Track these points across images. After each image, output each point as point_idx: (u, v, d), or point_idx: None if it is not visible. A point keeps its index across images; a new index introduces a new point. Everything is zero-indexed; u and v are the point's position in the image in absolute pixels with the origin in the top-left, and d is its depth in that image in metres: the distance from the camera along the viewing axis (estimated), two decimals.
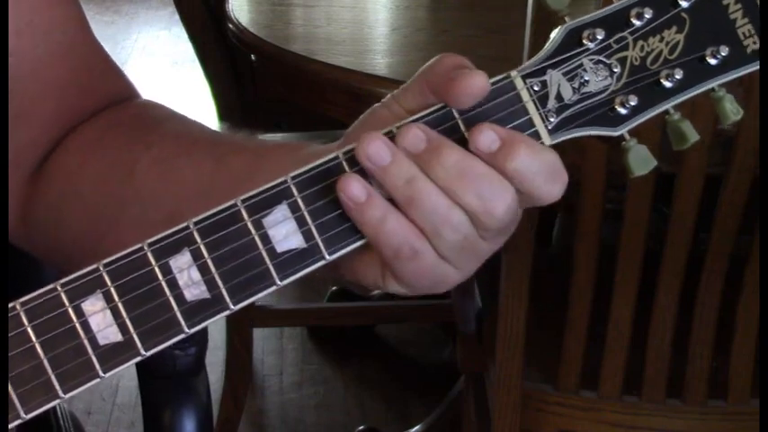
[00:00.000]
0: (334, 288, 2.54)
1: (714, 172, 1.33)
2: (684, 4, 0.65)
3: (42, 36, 0.80)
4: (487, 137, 0.62)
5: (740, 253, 1.37)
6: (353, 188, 0.61)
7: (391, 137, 0.62)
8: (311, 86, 1.63)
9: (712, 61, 0.66)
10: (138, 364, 0.61)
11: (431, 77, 0.63)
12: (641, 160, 0.66)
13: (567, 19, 0.65)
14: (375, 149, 0.61)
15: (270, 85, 2.00)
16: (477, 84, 0.62)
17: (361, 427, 2.22)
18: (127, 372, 0.64)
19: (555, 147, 0.64)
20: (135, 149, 0.77)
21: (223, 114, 2.15)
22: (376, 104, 0.66)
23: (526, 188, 0.62)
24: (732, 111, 0.66)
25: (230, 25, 1.79)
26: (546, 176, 0.62)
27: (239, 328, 2.09)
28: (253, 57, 1.99)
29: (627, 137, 0.66)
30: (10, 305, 0.59)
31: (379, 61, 1.73)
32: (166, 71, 4.45)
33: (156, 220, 0.72)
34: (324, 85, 1.58)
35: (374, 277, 0.66)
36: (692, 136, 0.66)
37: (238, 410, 2.14)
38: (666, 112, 0.66)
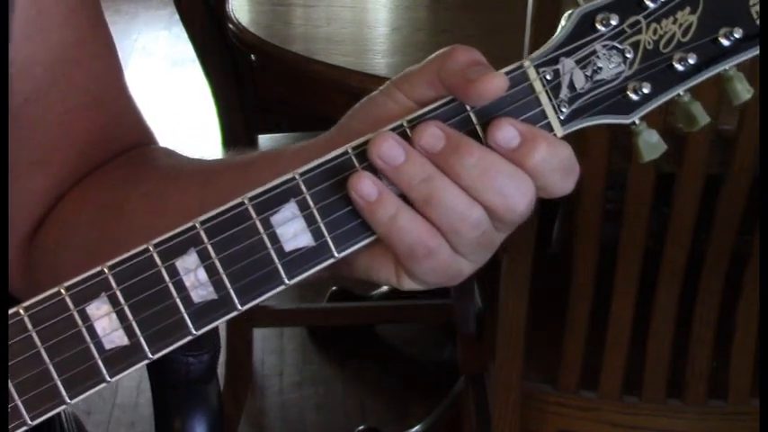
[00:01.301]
0: (334, 288, 2.54)
1: (714, 172, 1.32)
2: None
3: (77, 89, 0.79)
4: (507, 132, 0.61)
5: (740, 253, 1.37)
6: (364, 186, 0.60)
7: (401, 131, 0.61)
8: (311, 86, 1.63)
9: (725, 42, 0.64)
10: (150, 372, 0.61)
11: (444, 73, 0.62)
12: (651, 145, 0.65)
13: (580, 2, 0.64)
14: (388, 148, 0.60)
15: (270, 85, 2.00)
16: (497, 86, 0.61)
17: (361, 427, 2.22)
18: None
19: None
20: (125, 188, 0.76)
21: (223, 114, 2.14)
22: (374, 92, 0.65)
23: (542, 183, 0.62)
24: (743, 90, 0.65)
25: (230, 25, 1.79)
26: (562, 172, 0.62)
27: (239, 328, 2.09)
28: (253, 57, 1.99)
29: (637, 121, 0.65)
30: (13, 310, 0.58)
31: (379, 61, 1.73)
32: (166, 71, 4.45)
33: None
34: (324, 85, 1.58)
35: (387, 274, 0.64)
36: (703, 118, 0.65)
37: (238, 410, 2.14)
38: (677, 93, 0.65)
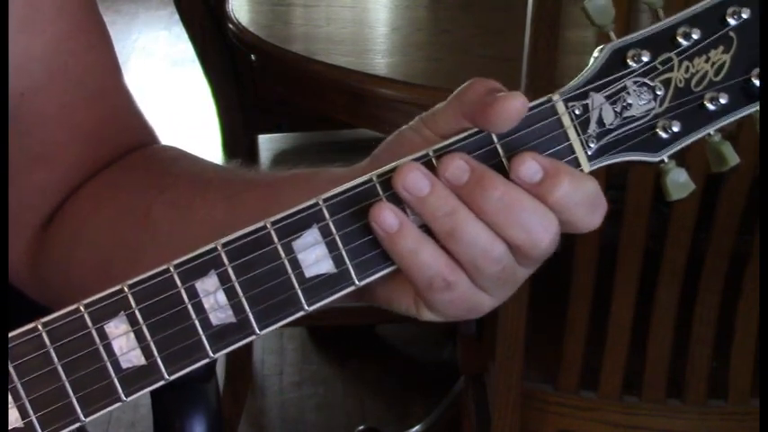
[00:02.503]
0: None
1: (714, 172, 1.32)
2: (733, 23, 0.63)
3: (74, 80, 0.79)
4: (530, 167, 0.60)
5: (740, 253, 1.37)
6: (386, 217, 0.59)
7: (427, 161, 0.60)
8: (311, 86, 1.63)
9: (758, 83, 0.63)
10: None
11: (465, 104, 0.61)
12: (680, 185, 0.64)
13: (611, 35, 0.63)
14: (413, 180, 0.59)
15: (270, 85, 2.00)
16: (514, 107, 0.60)
17: (361, 427, 2.22)
18: None
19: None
20: (148, 194, 0.76)
21: (223, 115, 2.15)
22: (403, 127, 0.64)
23: (566, 218, 0.61)
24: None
25: (230, 25, 1.79)
26: (587, 207, 0.61)
27: None
28: (253, 57, 1.99)
29: (665, 159, 0.64)
30: (32, 325, 0.58)
31: (379, 61, 1.73)
32: (166, 71, 4.45)
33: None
34: (324, 85, 1.58)
35: (407, 304, 0.64)
36: (733, 159, 0.64)
37: (238, 410, 2.14)
38: (707, 133, 0.64)
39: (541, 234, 0.60)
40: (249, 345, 2.16)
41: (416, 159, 0.61)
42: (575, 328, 1.43)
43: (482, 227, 0.60)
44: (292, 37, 1.83)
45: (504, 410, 1.48)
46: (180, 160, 0.81)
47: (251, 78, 2.15)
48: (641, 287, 1.40)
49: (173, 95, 4.08)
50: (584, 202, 0.61)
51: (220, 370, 2.16)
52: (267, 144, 2.25)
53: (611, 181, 1.34)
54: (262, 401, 2.38)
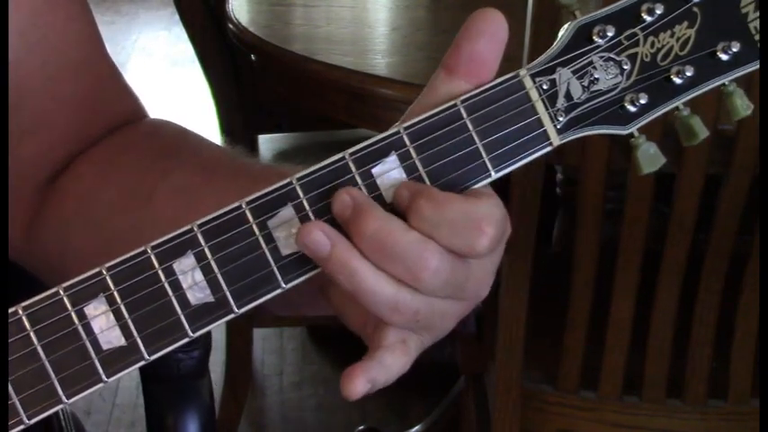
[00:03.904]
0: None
1: (714, 172, 1.33)
2: None
3: (55, 51, 0.79)
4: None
5: (740, 253, 1.37)
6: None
7: (398, 138, 0.61)
8: (311, 86, 1.63)
9: (723, 57, 0.64)
10: (141, 368, 0.61)
11: (444, 60, 0.62)
12: (650, 158, 0.65)
13: (576, 14, 0.64)
14: (313, 240, 0.59)
15: (270, 85, 2.00)
16: (488, 16, 0.61)
17: (361, 427, 2.22)
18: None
19: (560, 145, 0.63)
20: (151, 176, 0.76)
21: (223, 115, 2.15)
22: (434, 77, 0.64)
23: (437, 242, 0.59)
24: (742, 106, 0.65)
25: (230, 25, 1.79)
26: (451, 229, 0.59)
27: (239, 328, 2.09)
28: (253, 57, 1.99)
29: (636, 134, 0.65)
30: (12, 309, 0.59)
31: (379, 61, 1.73)
32: (166, 71, 4.45)
33: None
34: (324, 85, 1.58)
35: (358, 325, 0.65)
36: (702, 132, 0.65)
37: (238, 410, 2.14)
38: (676, 107, 0.65)
39: (418, 267, 0.59)
40: (249, 345, 2.16)
41: (387, 137, 0.61)
42: (575, 328, 1.43)
43: (384, 278, 0.59)
44: (292, 37, 1.83)
45: (504, 410, 1.48)
46: (181, 140, 0.81)
47: (251, 78, 2.16)
48: (641, 287, 1.40)
49: (173, 95, 4.09)
50: (449, 225, 0.59)
51: (220, 370, 2.16)
52: (267, 144, 2.25)
53: (612, 181, 1.34)
54: (262, 401, 2.38)
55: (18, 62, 0.78)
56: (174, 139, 0.82)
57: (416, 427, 2.14)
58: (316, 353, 2.56)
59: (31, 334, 0.59)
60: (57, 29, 0.80)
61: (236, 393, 2.13)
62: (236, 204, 0.60)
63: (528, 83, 0.63)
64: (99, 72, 0.83)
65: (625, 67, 0.64)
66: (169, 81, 4.31)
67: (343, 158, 0.61)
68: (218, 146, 0.81)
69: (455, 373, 1.98)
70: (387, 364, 0.64)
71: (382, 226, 0.59)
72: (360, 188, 0.61)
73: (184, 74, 4.21)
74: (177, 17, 2.12)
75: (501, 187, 0.64)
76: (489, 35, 0.61)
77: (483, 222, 0.59)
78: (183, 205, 0.73)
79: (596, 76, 0.64)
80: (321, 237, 0.59)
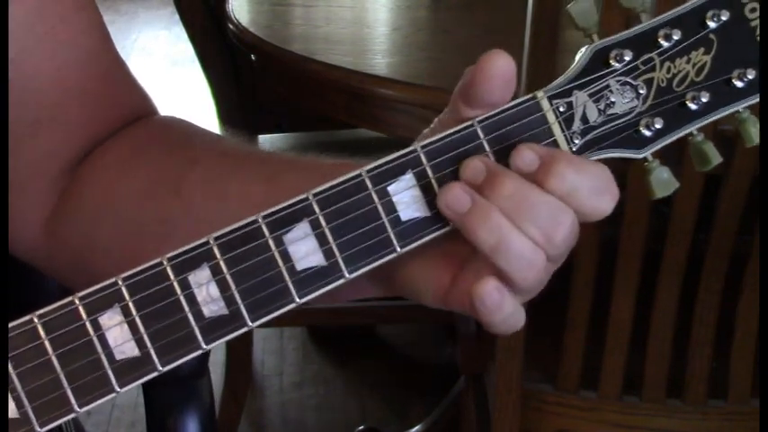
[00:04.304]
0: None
1: (714, 172, 1.33)
2: (712, 26, 0.65)
3: (64, 44, 0.79)
4: (526, 157, 0.61)
5: (740, 253, 1.37)
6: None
7: (415, 156, 0.62)
8: (311, 86, 1.63)
9: (738, 84, 0.65)
10: None
11: (459, 89, 0.63)
12: (663, 183, 0.66)
13: (594, 38, 0.64)
14: (454, 195, 0.61)
15: (270, 85, 2.00)
16: (498, 63, 0.61)
17: (361, 427, 2.22)
18: None
19: None
20: (177, 167, 0.76)
21: (223, 115, 2.15)
22: (443, 113, 0.66)
23: (573, 206, 0.61)
24: (755, 133, 0.66)
25: (230, 25, 1.79)
26: (591, 192, 0.61)
27: None
28: (253, 57, 1.99)
29: (650, 158, 0.66)
30: (27, 318, 0.59)
31: (379, 61, 1.73)
32: (166, 71, 4.45)
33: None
34: (324, 85, 1.58)
35: (435, 289, 0.65)
36: (715, 158, 0.66)
37: (238, 410, 2.14)
38: (690, 133, 0.66)
39: (555, 227, 0.61)
40: (249, 345, 2.16)
41: (404, 155, 0.62)
42: (575, 328, 1.43)
43: (524, 234, 0.61)
44: (292, 37, 1.83)
45: (504, 410, 1.48)
46: (199, 133, 0.81)
47: (251, 78, 2.16)
48: (641, 287, 1.40)
49: (173, 95, 4.08)
50: (586, 187, 0.61)
51: (220, 370, 2.16)
52: (267, 144, 2.25)
53: None
54: (262, 401, 2.38)
55: (26, 55, 0.77)
56: (192, 130, 0.82)
57: (416, 427, 2.14)
58: (316, 353, 2.56)
59: (46, 342, 0.59)
60: (66, 21, 0.79)
61: (236, 393, 2.13)
62: (252, 218, 0.61)
63: (545, 105, 0.64)
64: (107, 63, 0.83)
65: (641, 91, 0.64)
66: (169, 81, 4.31)
67: (360, 175, 0.62)
68: (231, 138, 0.82)
69: (455, 373, 1.99)
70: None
71: (520, 186, 0.61)
72: (377, 207, 0.62)
73: (184, 74, 4.21)
74: (177, 17, 2.12)
75: None
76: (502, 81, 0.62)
77: (611, 184, 0.62)
78: (213, 196, 0.74)
79: (612, 100, 0.64)
80: (461, 193, 0.61)
